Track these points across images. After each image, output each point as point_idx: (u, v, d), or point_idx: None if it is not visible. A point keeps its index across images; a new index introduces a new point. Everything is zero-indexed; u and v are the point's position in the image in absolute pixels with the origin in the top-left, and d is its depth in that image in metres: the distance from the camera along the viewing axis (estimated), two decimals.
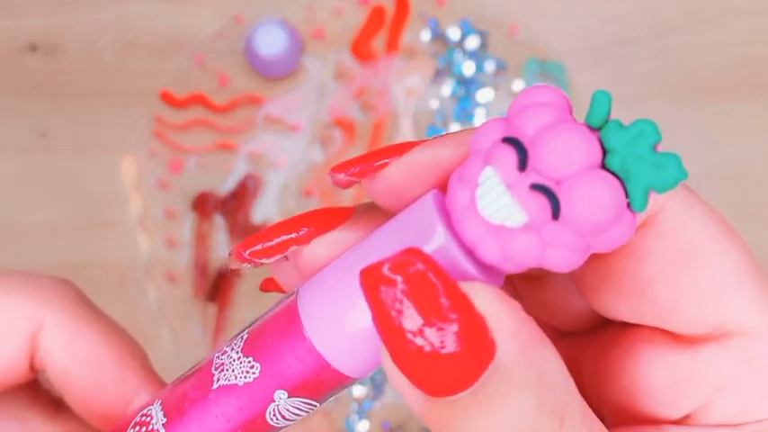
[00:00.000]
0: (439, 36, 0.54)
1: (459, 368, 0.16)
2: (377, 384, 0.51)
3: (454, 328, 0.16)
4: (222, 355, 0.21)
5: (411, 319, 0.16)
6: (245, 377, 0.20)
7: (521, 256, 0.17)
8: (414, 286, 0.16)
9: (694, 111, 0.53)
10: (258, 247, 0.21)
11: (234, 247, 0.21)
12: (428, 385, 0.17)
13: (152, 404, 0.22)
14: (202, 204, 0.53)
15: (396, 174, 0.19)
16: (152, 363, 0.25)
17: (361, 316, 0.19)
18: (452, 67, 0.54)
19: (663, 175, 0.16)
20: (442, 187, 0.19)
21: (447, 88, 0.54)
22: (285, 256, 0.21)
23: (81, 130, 0.54)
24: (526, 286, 0.22)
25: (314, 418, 0.51)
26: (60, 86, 0.54)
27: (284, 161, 0.53)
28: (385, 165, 0.20)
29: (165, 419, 0.21)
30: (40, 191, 0.53)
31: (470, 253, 0.18)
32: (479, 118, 0.54)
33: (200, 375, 0.21)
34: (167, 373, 0.25)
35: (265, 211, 0.53)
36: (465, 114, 0.54)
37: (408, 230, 0.18)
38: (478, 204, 0.17)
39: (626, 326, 0.21)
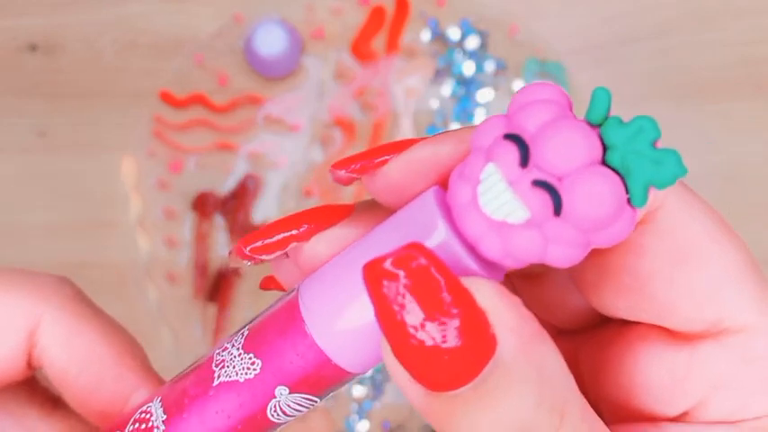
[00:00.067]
0: (439, 36, 0.54)
1: (460, 363, 0.16)
2: (377, 384, 0.51)
3: (456, 322, 0.16)
4: (222, 351, 0.21)
5: (413, 314, 0.16)
6: (246, 373, 0.20)
7: (522, 252, 0.17)
8: (416, 281, 0.16)
9: (694, 111, 0.53)
10: (258, 243, 0.21)
11: (234, 245, 0.21)
12: (429, 380, 0.17)
13: (151, 401, 0.22)
14: (202, 204, 0.53)
15: (396, 171, 0.19)
16: (152, 363, 0.25)
17: (362, 311, 0.19)
18: (452, 67, 0.54)
19: (662, 171, 0.16)
20: (443, 184, 0.19)
21: (447, 88, 0.54)
22: (285, 253, 0.21)
23: (81, 130, 0.54)
24: (524, 284, 0.22)
25: (314, 418, 0.51)
26: (60, 86, 0.54)
27: (284, 161, 0.53)
28: (385, 162, 0.20)
29: (165, 416, 0.21)
30: (39, 191, 0.53)
31: (471, 249, 0.18)
32: (479, 118, 0.54)
33: (200, 372, 0.21)
34: (167, 373, 0.25)
35: (265, 211, 0.53)
36: (465, 114, 0.54)
37: (409, 226, 0.18)
38: (480, 201, 0.17)
39: (624, 323, 0.21)
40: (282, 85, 0.54)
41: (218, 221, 0.53)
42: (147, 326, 0.51)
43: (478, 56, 0.54)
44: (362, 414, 0.51)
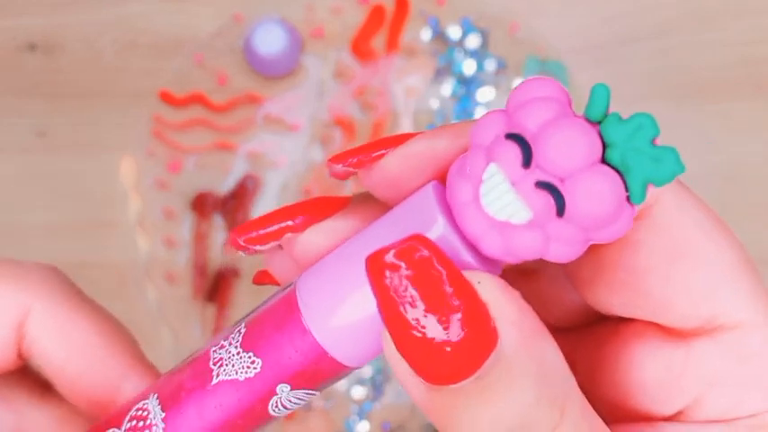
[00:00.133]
0: (439, 35, 0.54)
1: (461, 356, 0.16)
2: (377, 385, 0.51)
3: (457, 315, 0.16)
4: (220, 349, 0.21)
5: (415, 306, 0.16)
6: (247, 372, 0.20)
7: (524, 251, 0.17)
8: (418, 272, 0.16)
9: (694, 111, 0.53)
10: (253, 234, 0.21)
11: (229, 234, 0.21)
12: (430, 373, 0.17)
13: (147, 398, 0.22)
14: (201, 204, 0.53)
15: (393, 165, 0.19)
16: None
17: (362, 305, 0.19)
18: (452, 66, 0.54)
19: (661, 168, 0.16)
20: (440, 179, 0.19)
21: (447, 87, 0.54)
22: (280, 245, 0.21)
23: (80, 129, 0.54)
24: (519, 279, 0.22)
25: (313, 419, 0.51)
26: (60, 86, 0.54)
27: (284, 161, 0.53)
28: (382, 156, 0.20)
29: (163, 414, 0.21)
30: (39, 191, 0.53)
31: (468, 244, 0.18)
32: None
33: (198, 370, 0.21)
34: None
35: (265, 210, 0.53)
36: (465, 114, 0.53)
37: (408, 220, 0.18)
38: (483, 201, 0.17)
39: (619, 321, 0.21)
40: (282, 85, 0.54)
41: (218, 221, 0.53)
42: (146, 326, 0.51)
43: (479, 54, 0.54)
44: (362, 415, 0.51)
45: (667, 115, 0.52)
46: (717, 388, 0.19)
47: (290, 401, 0.21)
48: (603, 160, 0.17)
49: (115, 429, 0.22)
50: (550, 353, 0.17)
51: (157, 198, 0.53)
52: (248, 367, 0.20)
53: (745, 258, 0.19)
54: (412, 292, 0.16)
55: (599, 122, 0.17)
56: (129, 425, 0.22)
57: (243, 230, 0.21)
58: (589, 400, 0.18)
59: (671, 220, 0.19)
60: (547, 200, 0.16)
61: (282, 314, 0.20)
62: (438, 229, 0.18)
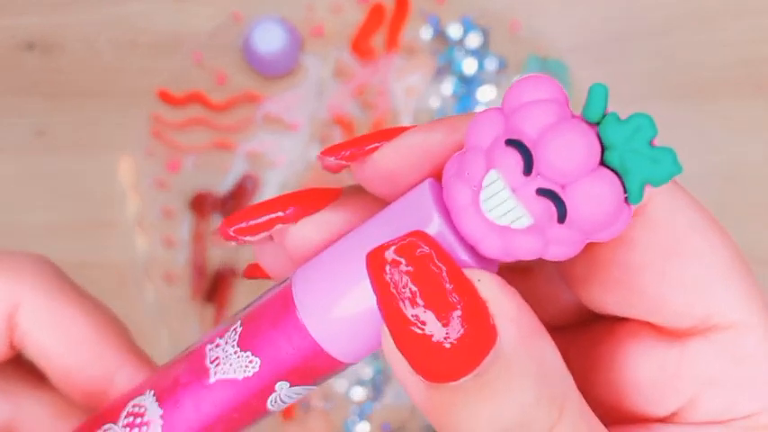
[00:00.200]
0: (439, 33, 0.54)
1: (460, 353, 0.16)
2: (377, 386, 0.51)
3: (457, 312, 0.16)
4: (216, 347, 0.21)
5: (414, 302, 0.16)
6: (245, 372, 0.20)
7: (523, 253, 0.17)
8: (418, 269, 0.16)
9: (694, 111, 0.53)
10: (243, 224, 0.21)
11: (219, 225, 0.21)
12: (429, 370, 0.17)
13: (143, 393, 0.22)
14: (200, 204, 0.53)
15: (386, 158, 0.19)
16: None
17: (358, 301, 0.19)
18: (453, 65, 0.54)
19: (659, 169, 0.16)
20: (434, 173, 0.19)
21: (448, 86, 0.54)
22: (270, 236, 0.21)
23: (79, 129, 0.53)
24: (513, 278, 0.22)
25: (313, 420, 0.51)
26: (58, 86, 0.54)
27: (283, 160, 0.53)
28: (375, 149, 0.19)
29: (161, 410, 0.21)
30: (37, 191, 0.53)
31: (465, 242, 0.18)
32: None
33: (194, 368, 0.21)
34: None
35: None
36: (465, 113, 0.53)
37: (404, 218, 0.18)
38: (483, 207, 0.17)
39: (614, 321, 0.21)
40: (281, 84, 0.54)
41: (217, 221, 0.53)
42: (145, 325, 0.51)
43: (480, 53, 0.54)
44: (362, 416, 0.51)
45: (667, 115, 0.52)
46: (711, 389, 0.19)
47: (288, 397, 0.21)
48: (602, 162, 0.16)
49: (111, 424, 0.22)
50: (549, 351, 0.17)
51: (156, 198, 0.53)
52: (246, 366, 0.20)
53: (739, 258, 0.19)
54: (412, 288, 0.16)
55: (597, 123, 0.17)
56: (125, 421, 0.22)
57: (233, 221, 0.21)
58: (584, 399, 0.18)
59: (665, 219, 0.19)
60: (548, 207, 0.16)
61: (278, 311, 0.20)
62: (434, 228, 0.18)
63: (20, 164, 0.53)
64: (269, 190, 0.53)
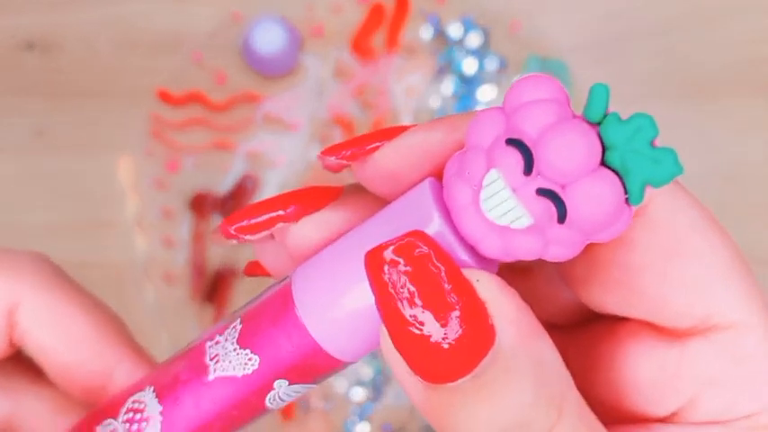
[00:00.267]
0: (440, 33, 0.54)
1: (458, 353, 0.16)
2: (377, 387, 0.51)
3: (455, 312, 0.16)
4: (216, 345, 0.21)
5: (413, 303, 0.16)
6: (244, 369, 0.20)
7: (523, 254, 0.17)
8: (417, 269, 0.16)
9: (694, 111, 0.53)
10: (244, 223, 0.21)
11: (219, 223, 0.21)
12: (428, 371, 0.17)
13: (143, 389, 0.22)
14: (200, 204, 0.52)
15: (387, 158, 0.19)
16: None
17: (357, 300, 0.19)
18: (453, 65, 0.54)
19: (660, 170, 0.16)
20: (435, 173, 0.19)
21: (447, 86, 0.54)
22: (271, 234, 0.21)
23: (79, 129, 0.53)
24: (513, 277, 0.22)
25: (313, 421, 0.51)
26: (58, 85, 0.54)
27: (283, 160, 0.53)
28: (376, 148, 0.19)
29: (160, 406, 0.22)
30: (37, 191, 0.53)
31: (465, 242, 0.18)
32: None
33: (194, 365, 0.21)
34: None
35: None
36: None
37: (404, 217, 0.18)
38: (483, 206, 0.17)
39: (613, 320, 0.21)
40: (281, 84, 0.54)
41: (216, 221, 0.53)
42: (144, 325, 0.51)
43: (480, 53, 0.54)
44: (362, 417, 0.51)
45: (667, 114, 0.52)
46: (711, 389, 0.19)
47: (287, 395, 0.21)
48: (603, 162, 0.16)
49: (111, 420, 0.23)
50: (548, 352, 0.17)
51: (156, 198, 0.53)
52: (245, 364, 0.20)
53: (739, 259, 0.19)
54: (410, 288, 0.16)
55: (598, 123, 0.17)
56: (126, 416, 0.22)
57: (234, 219, 0.21)
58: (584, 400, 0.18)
59: (666, 219, 0.19)
60: (548, 207, 0.16)
61: (278, 309, 0.20)
62: (434, 227, 0.18)
63: (19, 164, 0.53)
64: (269, 190, 0.53)
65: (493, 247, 0.17)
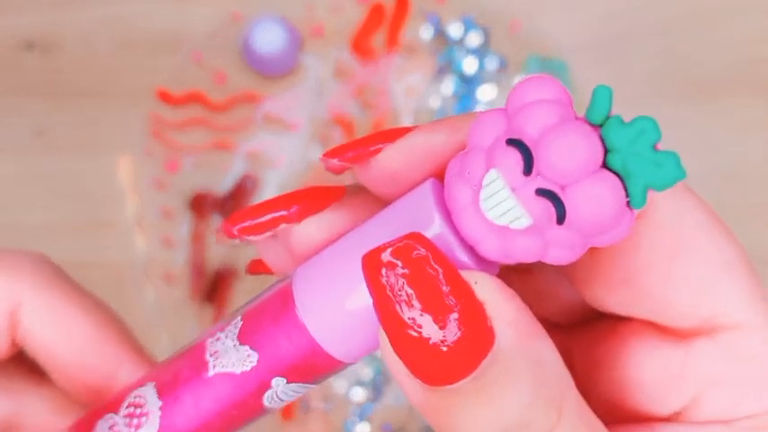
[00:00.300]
0: (440, 33, 0.54)
1: (458, 356, 0.16)
2: (377, 387, 0.51)
3: (454, 314, 0.16)
4: (216, 341, 0.21)
5: (411, 305, 0.16)
6: (243, 366, 0.20)
7: (522, 255, 0.17)
8: (415, 271, 0.16)
9: (694, 111, 0.53)
10: (247, 223, 0.21)
11: (222, 223, 0.21)
12: (427, 373, 0.17)
13: (144, 385, 0.22)
14: (200, 204, 0.52)
15: (389, 159, 0.19)
16: None
17: (357, 301, 0.19)
18: (453, 65, 0.54)
19: (663, 173, 0.16)
20: (437, 174, 0.19)
21: (448, 86, 0.54)
22: (274, 234, 0.21)
23: (78, 129, 0.53)
24: (514, 276, 0.22)
25: (313, 421, 0.51)
26: (57, 85, 0.54)
27: (282, 160, 0.53)
28: (379, 150, 0.19)
29: (160, 402, 0.22)
30: (37, 191, 0.53)
31: (465, 243, 0.18)
32: None
33: (194, 361, 0.21)
34: None
35: None
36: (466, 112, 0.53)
37: (405, 218, 0.18)
38: (483, 206, 0.17)
39: (617, 320, 0.20)
40: (281, 84, 0.54)
41: (216, 221, 0.53)
42: (144, 325, 0.51)
43: (480, 53, 0.53)
44: (362, 417, 0.51)
45: (668, 114, 0.52)
46: (715, 388, 0.19)
47: (285, 394, 0.21)
48: (604, 164, 0.16)
49: (113, 414, 0.23)
50: (548, 353, 0.17)
51: (155, 198, 0.53)
52: (245, 361, 0.20)
53: (744, 259, 0.19)
54: (408, 290, 0.16)
55: (600, 125, 0.17)
56: (126, 411, 0.22)
57: (237, 219, 0.21)
58: (586, 399, 0.18)
59: (670, 219, 0.19)
60: (547, 207, 0.16)
61: (278, 308, 0.20)
62: (435, 229, 0.18)
63: (19, 164, 0.53)
64: (269, 190, 0.53)
65: (492, 249, 0.17)
